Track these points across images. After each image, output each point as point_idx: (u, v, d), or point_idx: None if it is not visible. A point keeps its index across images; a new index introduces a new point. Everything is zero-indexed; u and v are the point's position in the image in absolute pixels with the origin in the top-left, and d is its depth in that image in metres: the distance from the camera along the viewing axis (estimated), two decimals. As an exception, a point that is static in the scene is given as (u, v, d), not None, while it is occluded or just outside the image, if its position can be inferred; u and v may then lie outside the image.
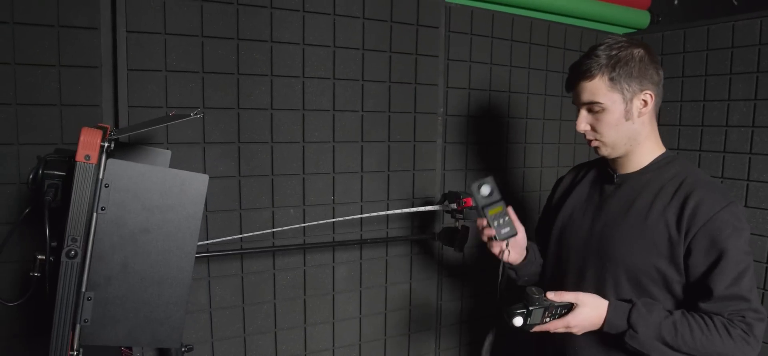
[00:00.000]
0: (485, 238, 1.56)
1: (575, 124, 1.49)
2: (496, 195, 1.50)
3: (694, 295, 1.37)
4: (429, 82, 2.31)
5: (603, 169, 1.62)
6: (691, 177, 1.42)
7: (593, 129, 1.46)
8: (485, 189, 1.49)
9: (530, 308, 1.36)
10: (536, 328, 1.40)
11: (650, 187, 1.45)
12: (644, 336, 1.34)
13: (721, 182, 2.40)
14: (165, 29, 1.81)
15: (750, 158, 2.32)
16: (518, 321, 1.36)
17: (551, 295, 1.40)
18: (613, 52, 1.40)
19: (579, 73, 1.44)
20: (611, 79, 1.39)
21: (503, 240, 1.51)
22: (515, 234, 1.52)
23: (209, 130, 1.91)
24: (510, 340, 1.64)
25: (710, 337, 1.30)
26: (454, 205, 1.96)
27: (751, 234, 2.23)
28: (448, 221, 2.15)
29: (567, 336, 1.51)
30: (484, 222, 1.51)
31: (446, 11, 2.32)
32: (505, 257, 1.55)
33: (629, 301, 1.40)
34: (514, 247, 1.58)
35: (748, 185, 2.32)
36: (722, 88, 2.42)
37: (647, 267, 1.41)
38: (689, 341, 1.31)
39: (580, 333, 1.43)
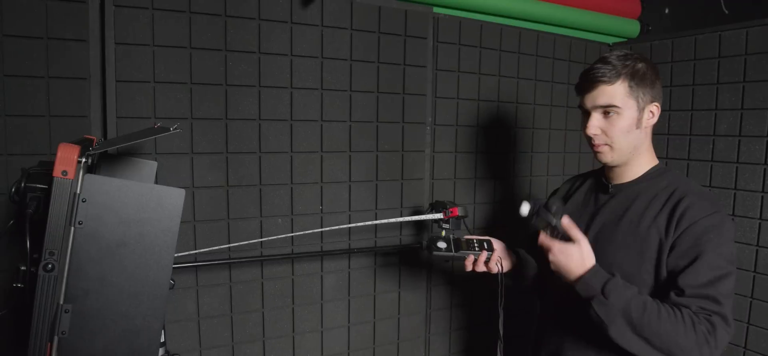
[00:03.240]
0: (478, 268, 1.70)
1: (584, 128, 1.50)
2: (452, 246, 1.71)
3: (668, 289, 1.38)
4: (417, 92, 2.33)
5: (598, 180, 1.65)
6: (683, 187, 1.45)
7: (604, 133, 1.48)
8: (441, 244, 1.73)
9: (541, 216, 1.44)
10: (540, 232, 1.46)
11: (643, 196, 1.48)
12: (612, 305, 1.33)
13: (710, 191, 2.41)
14: (153, 41, 1.83)
15: (737, 167, 2.33)
16: (525, 210, 1.46)
17: (565, 221, 1.44)
18: (629, 62, 1.44)
19: (599, 77, 1.44)
20: (630, 86, 1.43)
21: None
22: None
23: (197, 141, 1.93)
24: (507, 343, 1.67)
25: (675, 325, 1.29)
26: (440, 215, 1.98)
27: (739, 242, 2.27)
28: (436, 230, 2.16)
29: (561, 338, 1.56)
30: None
31: (434, 22, 2.34)
32: (495, 270, 1.68)
33: (611, 274, 1.40)
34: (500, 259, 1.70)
35: (735, 194, 2.34)
36: (709, 97, 2.43)
37: (640, 271, 1.43)
38: (654, 323, 1.30)
39: (554, 267, 1.44)
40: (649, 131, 1.52)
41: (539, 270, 1.77)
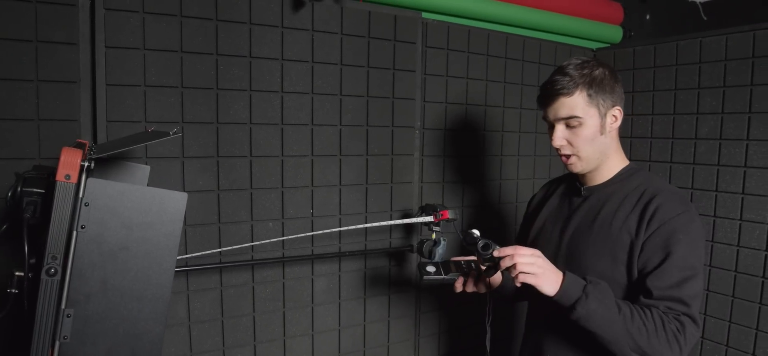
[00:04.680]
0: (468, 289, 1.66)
1: (551, 140, 1.54)
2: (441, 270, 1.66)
3: (637, 291, 1.40)
4: (406, 96, 2.35)
5: (572, 183, 1.68)
6: (653, 186, 1.48)
7: (569, 143, 1.51)
8: (430, 269, 1.66)
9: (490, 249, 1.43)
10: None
11: (615, 198, 1.51)
12: (590, 313, 1.33)
13: (691, 193, 2.47)
14: (144, 44, 1.82)
15: (718, 170, 2.39)
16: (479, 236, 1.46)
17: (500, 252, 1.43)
18: (586, 71, 1.46)
19: (557, 90, 1.48)
20: (589, 95, 1.45)
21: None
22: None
23: (188, 145, 1.92)
24: (494, 344, 1.70)
25: (647, 323, 1.32)
26: (430, 218, 2.01)
27: (721, 243, 2.33)
28: (426, 233, 2.18)
29: (541, 338, 1.59)
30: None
31: (423, 27, 2.37)
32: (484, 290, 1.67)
33: (583, 278, 1.40)
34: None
35: (716, 196, 2.40)
36: (691, 101, 2.49)
37: (613, 272, 1.45)
38: (628, 321, 1.32)
39: (528, 275, 1.37)
40: (614, 134, 1.54)
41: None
